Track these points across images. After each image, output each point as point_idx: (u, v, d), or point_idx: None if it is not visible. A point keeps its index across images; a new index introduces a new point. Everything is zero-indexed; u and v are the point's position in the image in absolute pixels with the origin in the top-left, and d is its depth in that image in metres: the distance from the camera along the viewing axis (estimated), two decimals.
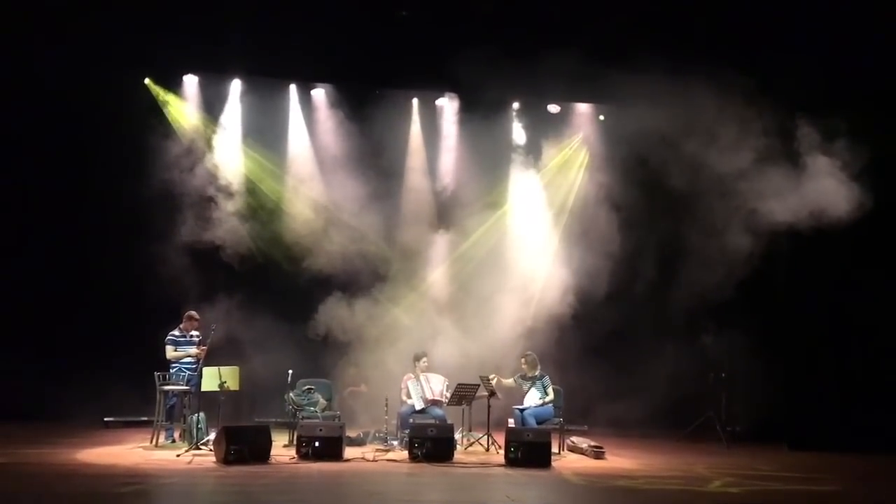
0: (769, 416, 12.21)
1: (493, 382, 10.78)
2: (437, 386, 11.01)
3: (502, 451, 9.80)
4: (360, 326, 12.67)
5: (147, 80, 12.95)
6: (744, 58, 11.14)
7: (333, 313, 12.51)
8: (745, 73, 10.85)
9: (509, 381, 11.09)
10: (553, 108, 13.89)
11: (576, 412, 11.96)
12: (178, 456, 9.38)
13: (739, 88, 10.91)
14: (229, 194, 12.98)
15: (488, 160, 13.78)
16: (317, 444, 9.40)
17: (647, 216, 12.97)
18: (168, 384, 10.36)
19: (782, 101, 11.18)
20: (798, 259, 11.45)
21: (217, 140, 13.16)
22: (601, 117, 13.95)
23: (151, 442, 10.24)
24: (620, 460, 10.29)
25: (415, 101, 13.84)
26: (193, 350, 10.57)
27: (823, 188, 10.82)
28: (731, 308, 12.68)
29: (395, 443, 10.63)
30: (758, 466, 10.07)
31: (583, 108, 14.00)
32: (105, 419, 11.96)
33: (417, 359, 11.29)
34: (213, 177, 12.92)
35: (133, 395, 11.51)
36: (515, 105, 13.97)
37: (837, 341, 11.58)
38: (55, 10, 11.04)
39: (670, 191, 12.25)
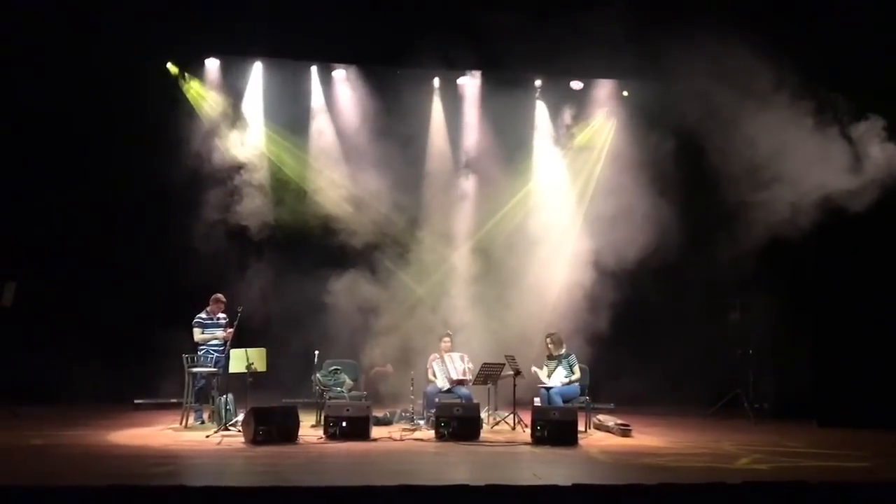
0: (798, 392, 12.10)
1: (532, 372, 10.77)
2: (459, 365, 11.03)
3: (528, 430, 9.83)
4: (384, 306, 12.71)
5: (169, 64, 12.98)
6: (777, 27, 10.88)
7: (355, 292, 12.54)
8: (776, 42, 10.62)
9: (542, 373, 10.94)
10: (576, 85, 13.77)
11: (602, 390, 11.93)
12: (207, 437, 9.51)
13: (770, 59, 10.69)
14: (253, 176, 13.01)
15: (511, 138, 13.76)
16: (344, 424, 9.46)
17: (673, 192, 12.81)
18: (196, 366, 10.46)
19: (819, 74, 10.93)
20: (828, 233, 11.25)
21: (239, 122, 13.19)
22: (625, 93, 13.81)
23: (181, 423, 10.38)
24: (647, 438, 10.27)
25: (436, 81, 13.78)
26: (220, 332, 10.65)
27: (857, 163, 10.59)
28: (759, 284, 12.57)
29: (422, 422, 10.67)
30: (786, 443, 10.00)
31: (606, 84, 13.86)
32: (135, 401, 12.12)
33: (441, 338, 11.31)
34: (236, 159, 12.96)
35: (162, 377, 11.65)
36: (538, 82, 13.87)
37: (868, 316, 11.39)
38: None
39: (697, 166, 12.11)
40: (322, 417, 9.97)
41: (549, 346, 10.98)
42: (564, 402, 10.41)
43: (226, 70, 13.20)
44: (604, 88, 13.90)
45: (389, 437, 9.77)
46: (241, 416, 9.72)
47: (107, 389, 12.03)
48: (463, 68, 13.49)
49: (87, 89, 12.13)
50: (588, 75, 13.67)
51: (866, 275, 11.42)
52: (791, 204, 10.92)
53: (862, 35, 10.80)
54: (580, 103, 13.93)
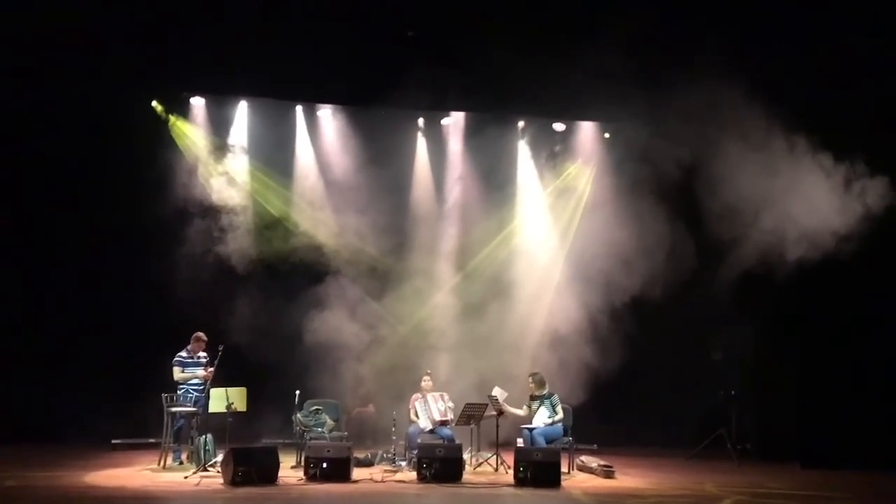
0: (781, 433, 12.10)
1: (504, 406, 10.68)
2: (441, 405, 10.97)
3: (511, 471, 9.75)
4: (367, 346, 12.64)
5: (154, 103, 13.02)
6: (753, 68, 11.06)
7: (338, 332, 12.46)
8: (749, 82, 10.79)
9: (520, 412, 10.89)
10: (558, 126, 13.94)
11: (585, 430, 11.88)
12: (185, 478, 9.36)
13: (743, 97, 10.86)
14: (237, 214, 13.00)
15: (495, 177, 13.88)
16: (325, 465, 9.35)
17: (655, 232, 12.91)
18: (175, 406, 10.34)
19: (802, 114, 11.10)
20: (810, 274, 11.34)
21: (224, 160, 13.22)
22: (606, 135, 13.98)
23: (159, 464, 10.22)
24: (630, 479, 10.21)
25: (420, 121, 13.91)
26: (201, 372, 10.55)
27: (835, 202, 10.72)
28: (741, 325, 12.62)
29: (404, 463, 10.58)
30: (769, 485, 9.99)
31: (588, 126, 14.03)
32: (112, 441, 11.93)
33: (422, 378, 11.26)
34: (220, 197, 12.95)
35: (140, 416, 11.49)
36: (521, 123, 14.03)
37: (850, 357, 11.44)
38: (63, 34, 11.11)
39: (679, 205, 12.24)
40: (302, 458, 9.85)
41: (532, 385, 10.94)
42: (547, 442, 10.35)
43: (211, 109, 13.25)
44: (586, 130, 14.07)
45: (370, 479, 9.66)
46: (220, 457, 9.59)
47: (84, 428, 11.87)
48: (447, 109, 13.63)
49: (73, 128, 12.18)
50: (570, 117, 13.84)
51: (849, 316, 11.47)
52: (773, 243, 11.04)
53: (847, 74, 11.03)
54: (563, 144, 14.07)
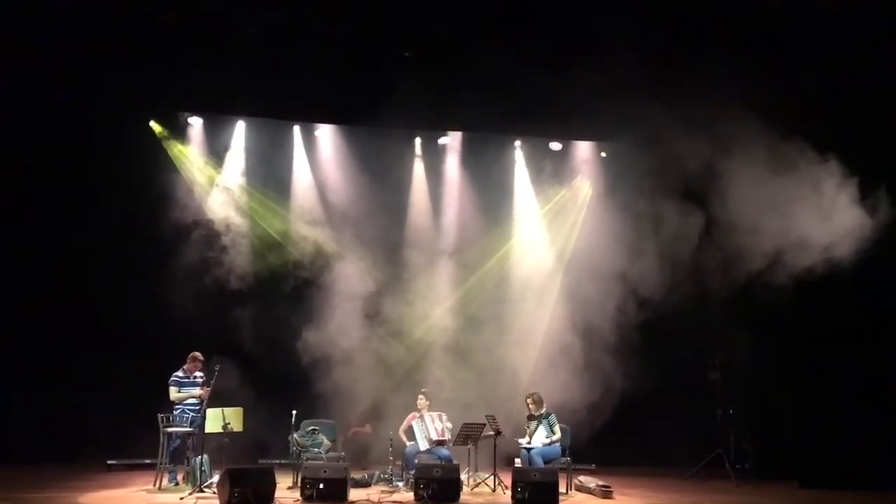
0: (779, 452, 12.07)
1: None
2: (438, 424, 10.93)
3: (509, 492, 9.70)
4: (364, 365, 12.61)
5: (152, 123, 13.06)
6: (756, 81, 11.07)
7: (335, 351, 12.43)
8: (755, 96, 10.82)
9: (524, 440, 10.87)
10: (555, 146, 13.99)
11: (583, 450, 11.85)
12: (181, 499, 9.30)
13: (744, 113, 10.88)
14: (234, 233, 13.01)
15: (492, 196, 13.92)
16: (321, 485, 9.27)
17: (652, 249, 12.90)
18: (171, 426, 10.29)
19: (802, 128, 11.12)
20: (808, 292, 11.34)
21: (221, 180, 13.25)
22: (602, 154, 14.03)
23: (155, 485, 10.15)
24: (628, 499, 10.17)
25: (417, 141, 13.95)
26: (197, 391, 10.51)
27: (834, 221, 10.73)
28: (739, 343, 12.61)
29: (401, 484, 10.52)
30: None
31: (584, 145, 14.09)
32: (108, 461, 11.85)
33: (418, 398, 11.23)
34: (218, 216, 12.97)
35: (136, 436, 11.43)
36: (517, 142, 14.09)
37: (848, 376, 11.41)
38: (62, 55, 11.17)
39: (677, 222, 12.26)
40: (299, 479, 9.79)
41: (530, 405, 10.90)
42: (545, 462, 10.31)
43: (209, 129, 13.29)
44: (582, 149, 14.12)
45: (367, 500, 9.60)
46: (216, 478, 9.53)
47: (79, 448, 11.79)
48: (444, 128, 13.68)
49: (71, 148, 12.20)
50: (567, 136, 13.89)
51: (848, 334, 11.45)
52: (771, 262, 11.04)
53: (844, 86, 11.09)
54: (552, 163, 14.11)
